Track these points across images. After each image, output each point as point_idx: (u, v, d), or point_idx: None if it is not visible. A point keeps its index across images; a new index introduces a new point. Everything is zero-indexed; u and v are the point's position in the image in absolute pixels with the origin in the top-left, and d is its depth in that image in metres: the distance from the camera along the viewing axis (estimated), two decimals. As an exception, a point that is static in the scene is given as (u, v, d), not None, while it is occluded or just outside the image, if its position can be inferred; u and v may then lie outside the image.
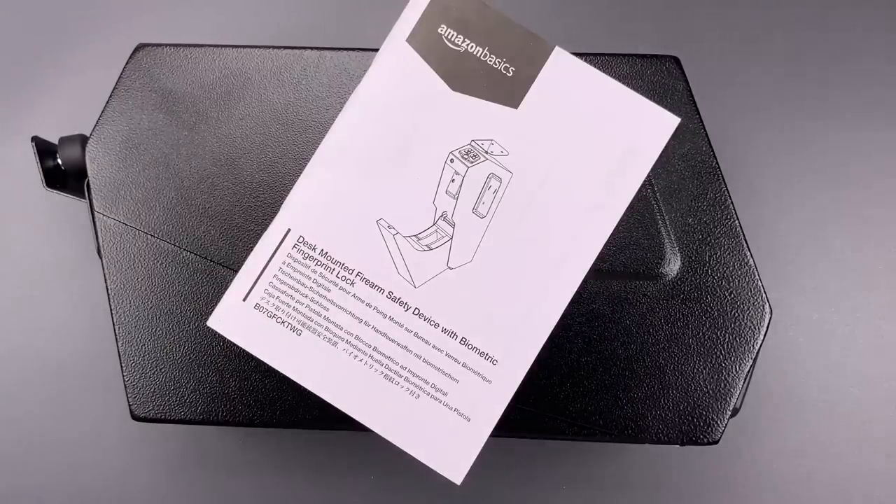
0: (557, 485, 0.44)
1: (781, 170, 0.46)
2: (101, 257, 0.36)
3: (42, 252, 0.46)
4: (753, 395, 0.41)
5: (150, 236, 0.36)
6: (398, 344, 0.33)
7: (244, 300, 0.33)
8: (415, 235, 0.34)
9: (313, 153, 0.34)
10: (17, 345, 0.45)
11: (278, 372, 0.33)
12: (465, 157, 0.34)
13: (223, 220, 0.36)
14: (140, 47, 0.37)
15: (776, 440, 0.44)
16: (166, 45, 0.37)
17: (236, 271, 0.34)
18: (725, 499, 0.44)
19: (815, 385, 0.45)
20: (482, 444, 0.33)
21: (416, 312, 0.34)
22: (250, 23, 0.48)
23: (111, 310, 0.36)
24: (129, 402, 0.36)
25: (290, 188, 0.34)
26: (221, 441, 0.45)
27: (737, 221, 0.36)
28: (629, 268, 0.36)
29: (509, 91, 0.34)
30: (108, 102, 0.37)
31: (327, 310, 0.33)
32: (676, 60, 0.37)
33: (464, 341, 0.34)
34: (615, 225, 0.34)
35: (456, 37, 0.34)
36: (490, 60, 0.34)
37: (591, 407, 0.35)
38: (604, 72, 0.35)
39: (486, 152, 0.34)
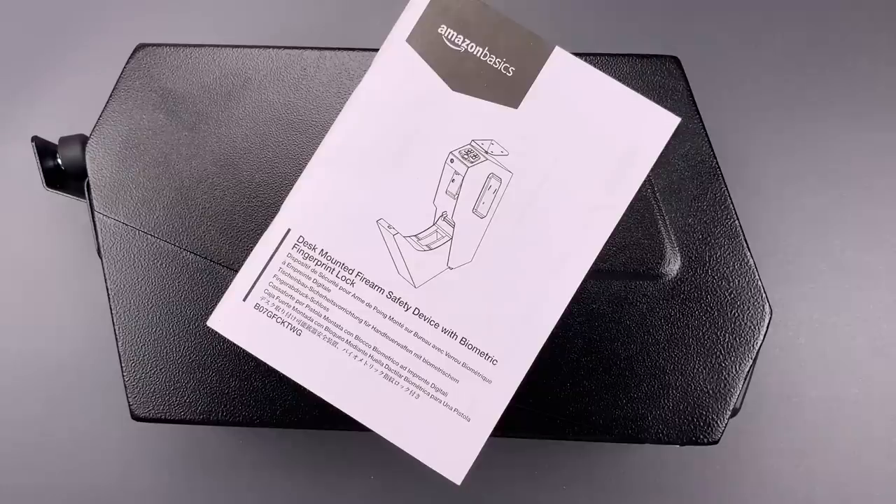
0: (557, 485, 0.44)
1: (781, 170, 0.46)
2: (101, 257, 0.36)
3: (42, 252, 0.46)
4: (753, 395, 0.41)
5: (150, 236, 0.36)
6: (398, 344, 0.33)
7: (244, 300, 0.33)
8: (415, 235, 0.34)
9: (313, 153, 0.34)
10: (17, 345, 0.45)
11: (278, 372, 0.33)
12: (465, 157, 0.34)
13: (223, 220, 0.36)
14: (140, 47, 0.37)
15: (776, 440, 0.44)
16: (166, 45, 0.37)
17: (236, 271, 0.34)
18: (725, 499, 0.44)
19: (815, 385, 0.45)
20: (482, 444, 0.33)
21: (416, 312, 0.34)
22: (250, 23, 0.48)
23: (111, 310, 0.36)
24: (129, 402, 0.36)
25: (290, 188, 0.34)
26: (221, 441, 0.45)
27: (737, 221, 0.36)
28: (629, 268, 0.36)
29: (509, 91, 0.34)
30: (108, 102, 0.37)
31: (327, 310, 0.33)
32: (676, 60, 0.37)
33: (464, 341, 0.34)
34: (615, 225, 0.34)
35: (456, 37, 0.34)
36: (490, 60, 0.34)
37: (591, 407, 0.35)
38: (604, 72, 0.35)
39: (486, 152, 0.34)
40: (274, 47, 0.37)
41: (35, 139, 0.37)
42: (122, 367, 0.36)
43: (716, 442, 0.35)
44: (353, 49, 0.37)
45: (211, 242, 0.36)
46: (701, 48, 0.47)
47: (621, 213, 0.34)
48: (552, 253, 0.34)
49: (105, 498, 0.45)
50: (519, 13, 0.35)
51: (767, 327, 0.35)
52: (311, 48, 0.37)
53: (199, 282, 0.36)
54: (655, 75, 0.36)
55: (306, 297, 0.33)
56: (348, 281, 0.34)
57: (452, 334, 0.34)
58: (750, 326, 0.35)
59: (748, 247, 0.36)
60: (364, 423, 0.33)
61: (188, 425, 0.42)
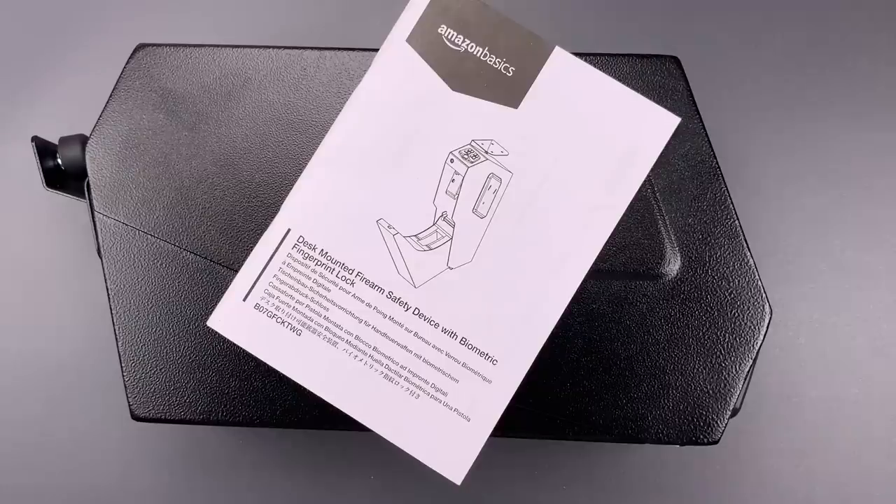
0: (557, 485, 0.44)
1: (781, 170, 0.46)
2: (101, 257, 0.36)
3: (42, 252, 0.46)
4: (753, 395, 0.41)
5: (150, 236, 0.36)
6: (398, 344, 0.33)
7: (244, 300, 0.33)
8: (415, 235, 0.34)
9: (313, 153, 0.34)
10: (17, 345, 0.45)
11: (278, 372, 0.33)
12: (465, 157, 0.34)
13: (223, 220, 0.36)
14: (140, 47, 0.37)
15: (776, 440, 0.44)
16: (166, 45, 0.37)
17: (236, 271, 0.34)
18: (725, 499, 0.44)
19: (815, 385, 0.45)
20: (482, 444, 0.33)
21: (416, 312, 0.34)
22: (250, 23, 0.48)
23: (111, 310, 0.36)
24: (129, 402, 0.36)
25: (290, 188, 0.34)
26: (221, 441, 0.45)
27: (737, 221, 0.36)
28: (629, 268, 0.36)
29: (509, 91, 0.34)
30: (108, 102, 0.37)
31: (327, 310, 0.33)
32: (676, 60, 0.37)
33: (464, 341, 0.34)
34: (615, 225, 0.34)
35: (456, 37, 0.34)
36: (490, 60, 0.34)
37: (591, 407, 0.35)
38: (604, 72, 0.35)
39: (486, 152, 0.34)
40: (274, 47, 0.37)
41: (35, 139, 0.37)
42: (122, 367, 0.36)
43: (716, 442, 0.35)
44: (353, 49, 0.37)
45: (211, 242, 0.36)
46: (701, 48, 0.47)
47: (621, 213, 0.34)
48: (552, 253, 0.34)
49: (105, 498, 0.45)
50: (519, 13, 0.35)
51: (767, 327, 0.35)
52: (311, 48, 0.37)
53: (199, 282, 0.36)
54: (655, 75, 0.36)
55: (306, 297, 0.33)
56: (348, 281, 0.34)
57: (452, 334, 0.34)
58: (750, 326, 0.35)
59: (748, 247, 0.36)
60: (364, 423, 0.33)
61: (188, 425, 0.42)
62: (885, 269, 0.45)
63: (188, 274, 0.36)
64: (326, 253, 0.34)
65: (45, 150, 0.37)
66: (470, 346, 0.34)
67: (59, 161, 0.37)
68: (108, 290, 0.36)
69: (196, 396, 0.36)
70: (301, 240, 0.34)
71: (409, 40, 0.34)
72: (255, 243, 0.34)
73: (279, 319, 0.33)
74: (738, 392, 0.35)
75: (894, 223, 0.46)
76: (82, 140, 0.37)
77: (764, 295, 0.35)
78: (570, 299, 0.34)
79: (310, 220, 0.34)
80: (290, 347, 0.33)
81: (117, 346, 0.36)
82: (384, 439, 0.33)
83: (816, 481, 0.44)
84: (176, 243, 0.36)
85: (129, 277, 0.36)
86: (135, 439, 0.45)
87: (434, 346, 0.33)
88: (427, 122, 0.34)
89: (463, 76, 0.34)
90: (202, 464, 0.45)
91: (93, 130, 0.37)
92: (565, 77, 0.34)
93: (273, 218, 0.34)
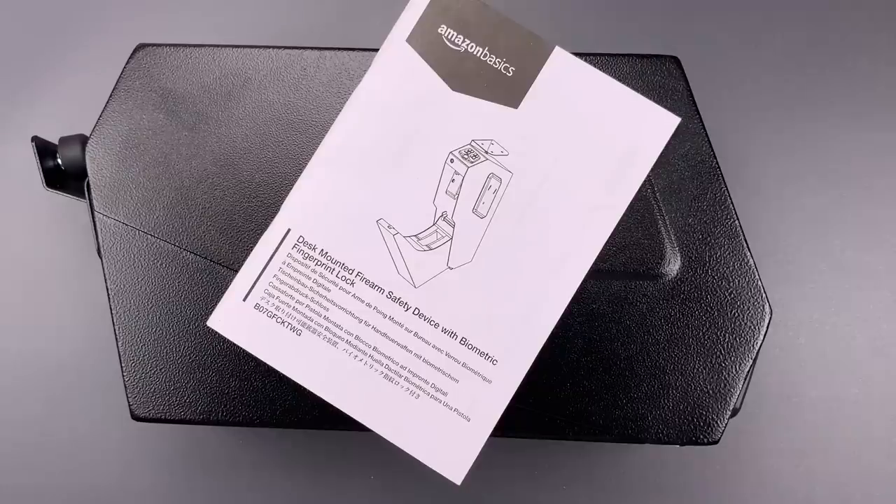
0: (557, 485, 0.44)
1: (781, 170, 0.46)
2: (101, 257, 0.36)
3: (42, 252, 0.46)
4: (753, 395, 0.41)
5: (150, 236, 0.36)
6: (398, 344, 0.33)
7: (244, 300, 0.33)
8: (415, 235, 0.34)
9: (313, 153, 0.34)
10: (17, 345, 0.45)
11: (278, 372, 0.33)
12: (465, 157, 0.34)
13: (223, 220, 0.36)
14: (140, 47, 0.37)
15: (776, 440, 0.44)
16: (166, 45, 0.37)
17: (236, 271, 0.34)
18: (725, 499, 0.44)
19: (815, 385, 0.45)
20: (482, 444, 0.33)
21: (416, 312, 0.34)
22: (250, 23, 0.48)
23: (111, 310, 0.36)
24: (129, 402, 0.36)
25: (290, 188, 0.34)
26: (221, 441, 0.45)
27: (737, 221, 0.36)
28: (629, 268, 0.36)
29: (509, 91, 0.34)
30: (108, 102, 0.37)
31: (327, 310, 0.33)
32: (676, 60, 0.37)
33: (464, 341, 0.34)
34: (615, 225, 0.34)
35: (456, 37, 0.34)
36: (490, 60, 0.34)
37: (591, 407, 0.35)
38: (604, 72, 0.35)
39: (486, 152, 0.34)
40: (274, 47, 0.37)
41: (35, 139, 0.37)
42: (122, 367, 0.36)
43: (716, 442, 0.35)
44: (353, 49, 0.37)
45: (211, 242, 0.36)
46: (701, 48, 0.47)
47: (621, 213, 0.34)
48: (552, 253, 0.34)
49: (105, 498, 0.45)
50: (519, 13, 0.35)
51: (767, 327, 0.35)
52: (311, 48, 0.37)
53: (199, 282, 0.36)
54: (655, 75, 0.36)
55: (306, 297, 0.33)
56: (348, 281, 0.34)
57: (452, 334, 0.34)
58: (750, 326, 0.35)
59: (748, 247, 0.36)
60: (364, 423, 0.33)
61: (188, 425, 0.42)
62: (885, 269, 0.45)
63: (188, 274, 0.36)
64: (326, 253, 0.34)
65: (45, 150, 0.37)
66: (470, 346, 0.34)
67: (59, 161, 0.37)
68: (108, 290, 0.36)
69: (196, 396, 0.36)
70: (301, 240, 0.34)
71: (409, 40, 0.34)
72: (255, 243, 0.34)
73: (279, 319, 0.33)
74: (738, 392, 0.35)
75: (894, 223, 0.46)
76: (82, 140, 0.37)
77: (764, 295, 0.35)
78: (570, 299, 0.34)
79: (310, 220, 0.34)
80: (290, 347, 0.33)
81: (117, 346, 0.36)
82: (384, 439, 0.33)
83: (816, 481, 0.44)
84: (176, 243, 0.36)
85: (129, 277, 0.36)
86: (135, 439, 0.45)
87: (434, 346, 0.33)
88: (427, 122, 0.34)
89: (463, 76, 0.34)
90: (202, 464, 0.45)
91: (93, 130, 0.37)
92: (565, 77, 0.34)
93: (273, 218, 0.34)
